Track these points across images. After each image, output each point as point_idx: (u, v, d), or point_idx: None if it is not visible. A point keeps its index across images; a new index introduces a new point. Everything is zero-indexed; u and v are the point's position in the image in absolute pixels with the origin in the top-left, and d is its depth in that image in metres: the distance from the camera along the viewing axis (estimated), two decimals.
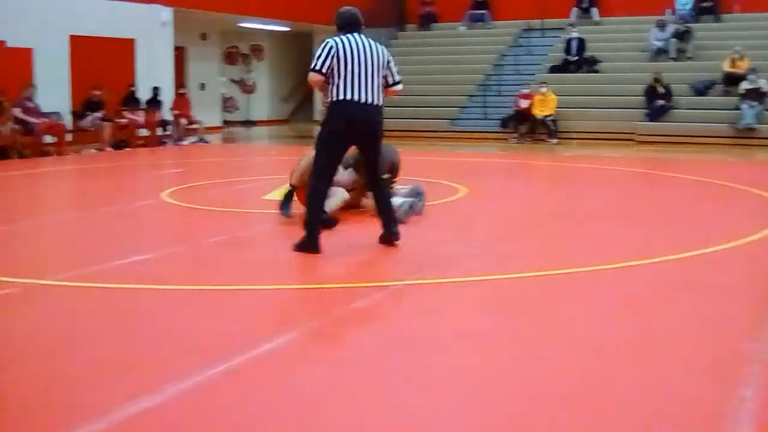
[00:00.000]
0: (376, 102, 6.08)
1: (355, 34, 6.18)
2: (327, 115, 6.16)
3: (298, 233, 6.42)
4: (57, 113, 15.60)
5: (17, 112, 14.58)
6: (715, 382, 3.55)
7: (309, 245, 6.08)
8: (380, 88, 6.14)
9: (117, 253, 6.17)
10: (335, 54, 6.00)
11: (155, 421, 3.15)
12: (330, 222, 6.90)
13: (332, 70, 6.00)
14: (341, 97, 6.00)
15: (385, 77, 6.20)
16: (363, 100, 6.02)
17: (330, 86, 6.04)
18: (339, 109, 6.03)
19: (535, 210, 8.50)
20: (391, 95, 6.40)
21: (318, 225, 6.16)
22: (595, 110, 18.37)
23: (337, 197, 7.36)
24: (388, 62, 6.23)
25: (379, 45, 6.25)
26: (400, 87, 6.37)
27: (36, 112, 15.01)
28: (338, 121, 6.06)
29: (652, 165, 13.38)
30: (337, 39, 6.10)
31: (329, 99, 6.11)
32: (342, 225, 7.26)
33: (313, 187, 6.19)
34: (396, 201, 7.02)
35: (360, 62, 6.03)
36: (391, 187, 7.36)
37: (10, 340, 4.17)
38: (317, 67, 6.01)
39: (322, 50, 6.03)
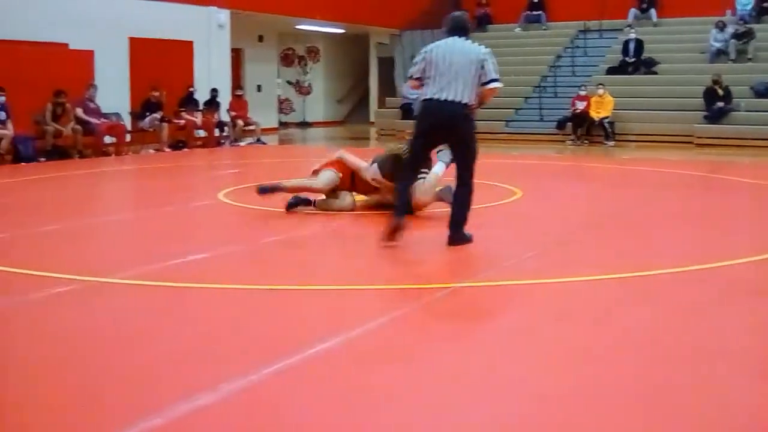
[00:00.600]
0: (459, 99, 6.26)
1: (454, 38, 6.50)
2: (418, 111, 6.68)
3: (353, 234, 6.43)
4: (117, 114, 15.86)
5: (79, 112, 14.86)
6: None
7: (395, 228, 6.33)
8: (468, 88, 6.30)
9: (175, 252, 6.24)
10: (425, 58, 6.47)
11: (210, 419, 3.17)
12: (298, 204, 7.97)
13: (424, 73, 6.42)
14: (426, 96, 6.40)
15: (479, 77, 6.35)
16: (443, 98, 6.27)
17: (424, 87, 6.46)
18: (422, 107, 6.51)
19: (593, 213, 8.41)
20: (487, 95, 6.57)
21: (402, 210, 6.43)
22: (653, 112, 18.12)
23: (342, 201, 8.06)
24: (483, 62, 6.38)
25: (475, 46, 6.49)
26: (493, 86, 6.48)
27: (97, 112, 15.29)
28: (422, 119, 6.54)
29: (712, 168, 13.15)
30: (432, 45, 6.55)
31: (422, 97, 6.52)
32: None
33: (400, 177, 6.77)
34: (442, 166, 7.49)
35: (446, 64, 6.32)
36: (425, 173, 7.50)
37: (69, 337, 4.24)
38: (411, 75, 6.60)
39: (417, 58, 6.56)
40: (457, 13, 6.81)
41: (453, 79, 6.28)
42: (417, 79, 6.49)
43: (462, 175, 6.42)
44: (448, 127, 6.38)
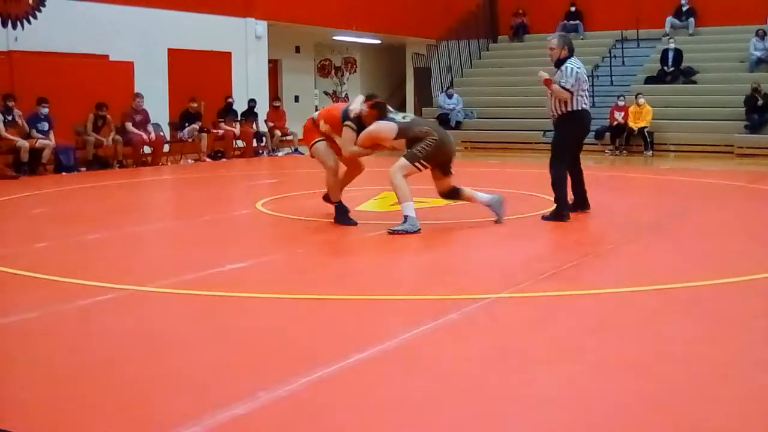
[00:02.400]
0: None
1: (576, 58, 8.39)
2: (566, 120, 8.25)
3: (390, 243, 6.41)
4: (156, 124, 16.03)
5: (129, 126, 15.05)
6: None
7: (561, 216, 8.15)
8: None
9: (214, 261, 6.28)
10: (577, 75, 8.12)
11: (248, 428, 3.18)
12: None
13: (573, 87, 8.13)
14: (579, 107, 8.24)
15: None
16: (588, 107, 8.44)
17: (571, 99, 8.15)
18: (577, 115, 8.27)
19: (632, 223, 8.33)
20: None
21: (566, 200, 8.31)
22: (692, 122, 17.96)
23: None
24: None
25: None
26: None
27: (144, 122, 15.45)
28: (578, 124, 8.37)
29: (752, 178, 12.98)
30: (574, 64, 8.21)
31: (569, 109, 8.19)
32: (439, 235, 7.24)
33: (559, 171, 8.24)
34: (485, 196, 8.02)
35: (585, 80, 8.33)
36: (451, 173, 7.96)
37: (109, 344, 4.28)
38: (568, 87, 8.11)
39: (570, 75, 8.11)
40: (568, 35, 8.90)
41: (587, 92, 8.42)
42: (570, 92, 8.10)
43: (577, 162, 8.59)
44: (590, 128, 8.81)
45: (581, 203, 8.64)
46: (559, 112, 8.26)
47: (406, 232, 7.35)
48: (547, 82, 8.21)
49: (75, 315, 4.88)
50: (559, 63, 8.32)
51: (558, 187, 8.20)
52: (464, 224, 7.84)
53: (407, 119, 7.88)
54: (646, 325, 4.63)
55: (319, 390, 3.56)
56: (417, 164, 7.58)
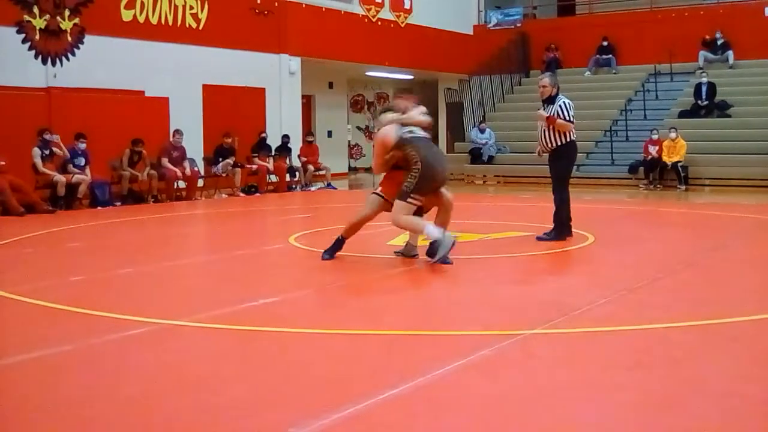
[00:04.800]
0: None
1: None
2: (565, 150, 9.13)
3: (421, 278, 6.38)
4: (191, 159, 16.18)
5: (165, 162, 15.23)
6: None
7: (562, 236, 9.09)
8: None
9: (246, 296, 6.29)
10: (572, 108, 9.11)
11: None
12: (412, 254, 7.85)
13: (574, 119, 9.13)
14: (574, 137, 9.21)
15: None
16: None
17: (570, 130, 9.07)
18: (573, 145, 9.23)
19: (667, 258, 8.24)
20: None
21: (568, 221, 9.20)
22: (727, 156, 17.82)
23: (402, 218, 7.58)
24: None
25: None
26: None
27: (181, 158, 15.62)
28: (574, 152, 9.40)
29: None
30: (568, 99, 9.19)
31: (568, 139, 9.08)
32: (470, 269, 7.21)
33: (564, 195, 9.13)
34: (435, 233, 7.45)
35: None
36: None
37: (140, 379, 4.28)
38: (570, 119, 9.03)
39: (570, 108, 9.06)
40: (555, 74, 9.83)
41: None
42: (573, 123, 9.09)
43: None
44: None
45: (568, 229, 9.25)
46: (558, 144, 9.10)
47: (447, 252, 7.32)
48: (551, 119, 9.00)
49: (108, 349, 4.90)
50: (550, 100, 9.14)
51: (564, 209, 9.10)
52: (495, 259, 7.80)
53: (410, 134, 7.61)
54: (683, 362, 4.56)
55: (350, 426, 3.54)
56: (410, 200, 7.47)
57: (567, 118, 8.98)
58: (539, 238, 9.10)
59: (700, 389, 4.04)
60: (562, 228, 9.13)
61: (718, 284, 6.93)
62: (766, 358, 4.63)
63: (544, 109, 9.13)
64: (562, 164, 9.23)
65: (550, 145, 9.14)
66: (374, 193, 8.00)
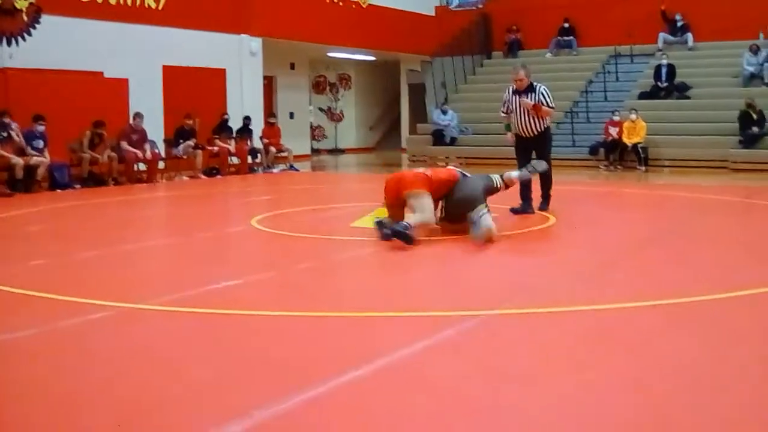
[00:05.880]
0: None
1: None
2: (546, 133, 9.83)
3: (386, 260, 6.39)
4: (152, 141, 16.04)
5: (124, 145, 15.06)
6: None
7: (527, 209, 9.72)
8: None
9: (208, 279, 6.26)
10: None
11: None
12: (409, 238, 7.39)
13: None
14: (551, 122, 10.07)
15: None
16: None
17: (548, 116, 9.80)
18: (550, 130, 9.98)
19: (627, 239, 8.33)
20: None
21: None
22: (686, 137, 18.00)
23: (424, 214, 7.69)
24: None
25: None
26: None
27: (142, 141, 15.45)
28: (551, 136, 10.08)
29: (748, 193, 13.00)
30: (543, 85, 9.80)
31: (548, 124, 9.83)
32: (431, 251, 7.24)
33: (548, 169, 9.69)
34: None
35: None
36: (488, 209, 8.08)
37: (103, 363, 4.26)
38: (553, 106, 9.73)
39: (549, 95, 9.66)
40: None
41: None
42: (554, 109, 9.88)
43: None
44: None
45: (531, 205, 9.81)
46: (540, 129, 9.72)
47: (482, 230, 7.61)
48: (537, 107, 9.51)
49: (69, 333, 4.86)
50: (528, 89, 9.63)
51: (548, 183, 9.99)
52: (458, 240, 7.83)
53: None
54: (645, 340, 4.62)
55: (315, 408, 3.55)
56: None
57: (550, 105, 9.67)
58: (515, 211, 9.69)
59: (664, 368, 4.09)
60: (529, 202, 9.76)
61: (678, 264, 7.02)
62: (727, 336, 4.70)
63: (521, 97, 9.65)
64: (548, 146, 9.96)
65: (534, 131, 9.73)
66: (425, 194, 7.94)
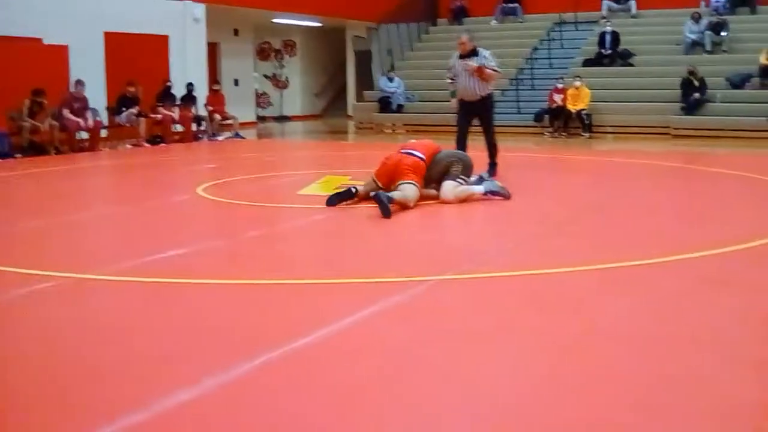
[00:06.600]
0: None
1: None
2: (489, 98, 9.97)
3: (334, 228, 6.40)
4: (94, 109, 15.77)
5: (66, 113, 14.76)
6: (757, 379, 3.51)
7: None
8: None
9: (154, 248, 6.22)
10: None
11: (193, 414, 3.18)
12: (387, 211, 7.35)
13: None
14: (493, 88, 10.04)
15: None
16: None
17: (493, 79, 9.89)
18: (492, 94, 10.05)
19: (572, 205, 8.45)
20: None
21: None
22: (629, 104, 18.21)
23: (406, 193, 7.77)
24: None
25: None
26: None
27: (83, 109, 15.17)
28: (494, 101, 10.20)
29: (689, 159, 13.24)
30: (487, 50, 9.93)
31: (491, 89, 9.93)
32: (379, 219, 7.26)
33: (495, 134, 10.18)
34: (481, 189, 8.38)
35: None
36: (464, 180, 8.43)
37: (50, 334, 4.22)
38: (498, 69, 9.86)
39: (494, 58, 9.76)
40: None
41: None
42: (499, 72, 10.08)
43: None
44: None
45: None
46: (485, 93, 9.83)
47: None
48: (481, 69, 9.55)
49: (16, 304, 4.80)
50: (470, 54, 9.69)
51: (496, 150, 10.04)
52: (407, 208, 7.85)
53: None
54: (586, 303, 4.72)
55: (264, 374, 3.56)
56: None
57: (495, 69, 9.78)
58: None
59: (603, 330, 4.19)
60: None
61: (619, 229, 7.14)
62: (663, 299, 4.81)
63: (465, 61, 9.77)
64: (490, 113, 10.08)
65: (477, 95, 9.84)
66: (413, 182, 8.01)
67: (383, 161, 8.20)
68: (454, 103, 10.21)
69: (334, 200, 7.90)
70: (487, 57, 9.75)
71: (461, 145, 9.87)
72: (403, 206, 7.70)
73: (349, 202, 7.93)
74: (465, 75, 9.81)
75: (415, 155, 8.14)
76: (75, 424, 3.11)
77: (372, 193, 7.70)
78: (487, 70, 9.69)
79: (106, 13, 16.88)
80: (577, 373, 3.57)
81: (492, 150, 10.18)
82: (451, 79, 10.09)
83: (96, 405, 3.27)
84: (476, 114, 10.04)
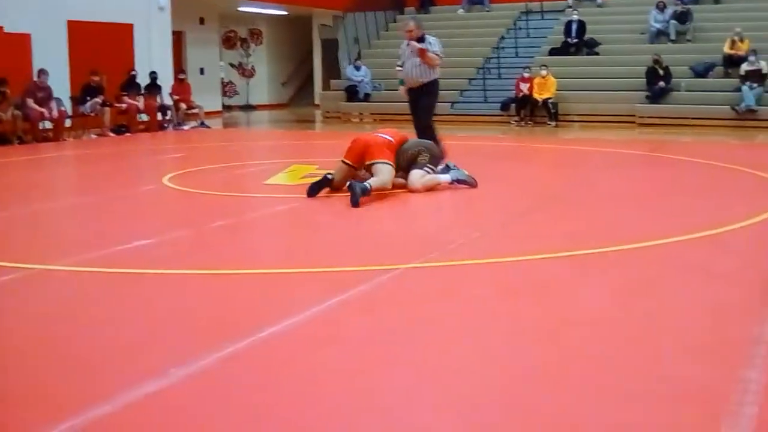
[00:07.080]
0: None
1: None
2: (433, 85, 9.84)
3: (300, 217, 6.38)
4: (58, 99, 15.58)
5: (30, 102, 14.55)
6: (719, 364, 3.54)
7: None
8: None
9: (120, 238, 6.16)
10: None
11: (160, 405, 3.15)
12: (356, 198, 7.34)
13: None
14: (439, 75, 9.89)
15: None
16: None
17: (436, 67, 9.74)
18: (438, 82, 9.95)
19: (538, 193, 8.49)
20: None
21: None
22: (595, 93, 18.32)
23: (383, 177, 7.86)
24: None
25: None
26: None
27: (48, 98, 14.96)
28: (439, 89, 10.10)
29: (654, 147, 13.35)
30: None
31: (435, 76, 9.80)
32: (345, 208, 7.25)
33: (433, 128, 9.77)
34: (447, 177, 8.44)
35: None
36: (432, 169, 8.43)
37: (13, 326, 4.17)
38: (440, 54, 9.71)
39: (439, 43, 9.75)
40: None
41: None
42: (441, 57, 9.76)
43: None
44: None
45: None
46: (427, 80, 9.74)
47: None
48: (422, 51, 9.54)
49: None
50: (417, 41, 9.67)
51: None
52: (374, 196, 7.86)
53: None
54: (555, 291, 4.74)
55: (231, 365, 3.55)
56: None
57: (437, 53, 9.68)
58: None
59: (571, 317, 4.21)
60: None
61: (585, 217, 7.19)
62: (629, 285, 4.85)
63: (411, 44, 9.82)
64: (432, 100, 9.97)
65: (420, 80, 9.76)
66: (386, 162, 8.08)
67: (352, 141, 8.20)
68: (402, 90, 10.22)
69: (314, 190, 7.84)
70: (432, 43, 9.74)
71: (432, 131, 9.77)
72: (381, 189, 7.72)
73: (326, 190, 7.91)
74: (410, 62, 9.82)
75: (384, 137, 8.18)
76: (38, 417, 3.07)
77: (348, 183, 7.64)
78: (430, 54, 9.62)
79: (69, 1, 16.68)
80: (546, 359, 3.59)
81: (421, 136, 9.59)
82: (401, 67, 10.09)
83: (61, 397, 3.24)
84: (419, 100, 10.00)
